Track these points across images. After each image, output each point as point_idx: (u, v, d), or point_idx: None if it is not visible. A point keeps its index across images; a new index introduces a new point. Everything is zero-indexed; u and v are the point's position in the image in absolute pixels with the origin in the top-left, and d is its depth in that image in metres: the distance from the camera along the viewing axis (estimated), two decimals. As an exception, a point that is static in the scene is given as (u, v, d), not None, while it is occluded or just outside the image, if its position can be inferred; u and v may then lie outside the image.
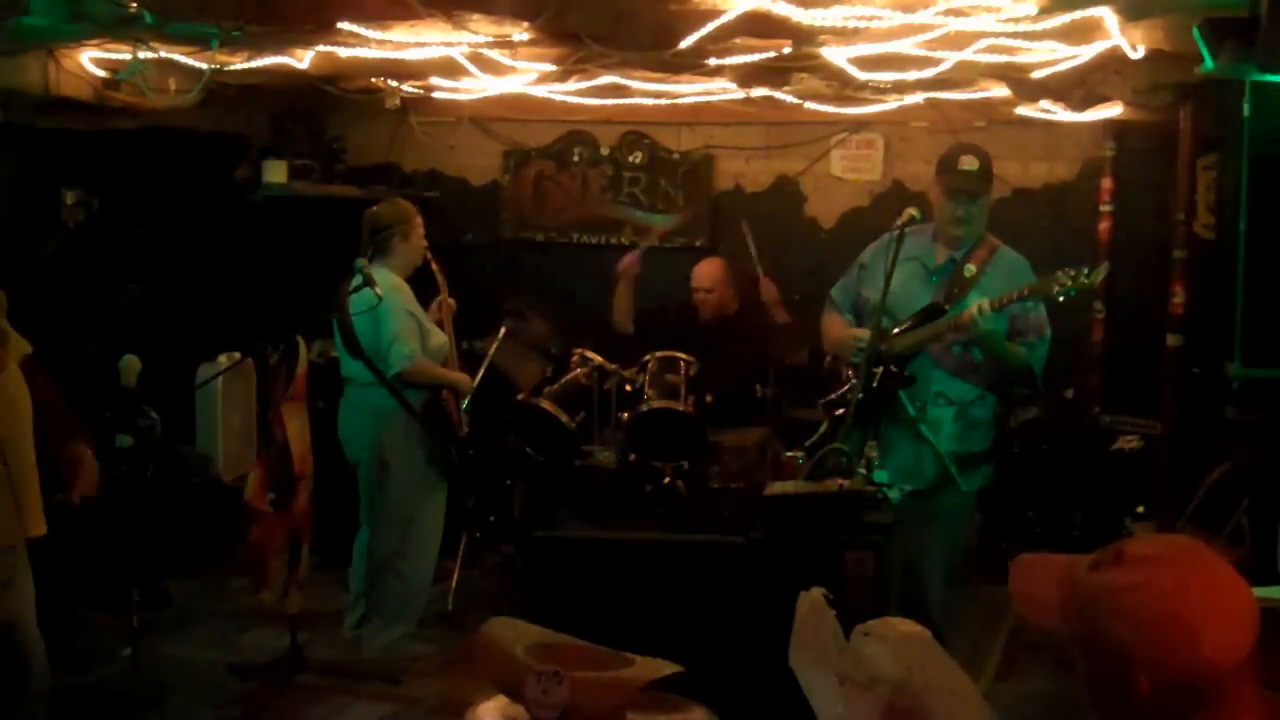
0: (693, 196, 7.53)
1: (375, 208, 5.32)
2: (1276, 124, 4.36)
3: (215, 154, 6.96)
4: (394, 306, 4.97)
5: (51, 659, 4.05)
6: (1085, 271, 3.99)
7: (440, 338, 5.27)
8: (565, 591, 3.88)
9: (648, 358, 5.96)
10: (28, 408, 3.85)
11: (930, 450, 4.18)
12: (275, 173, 6.89)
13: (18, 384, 3.83)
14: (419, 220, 5.28)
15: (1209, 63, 4.02)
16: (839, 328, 4.47)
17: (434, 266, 5.43)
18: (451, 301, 5.46)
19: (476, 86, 6.19)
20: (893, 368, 4.18)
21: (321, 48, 5.20)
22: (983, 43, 4.56)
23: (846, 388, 4.33)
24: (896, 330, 4.20)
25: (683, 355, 5.98)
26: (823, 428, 4.41)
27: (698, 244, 7.40)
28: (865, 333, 4.24)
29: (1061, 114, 6.01)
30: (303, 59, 5.49)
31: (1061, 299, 4.02)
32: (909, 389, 4.20)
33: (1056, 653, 5.09)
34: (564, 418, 5.79)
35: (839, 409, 4.30)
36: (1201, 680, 1.51)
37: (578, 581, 3.88)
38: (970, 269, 4.23)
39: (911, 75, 5.18)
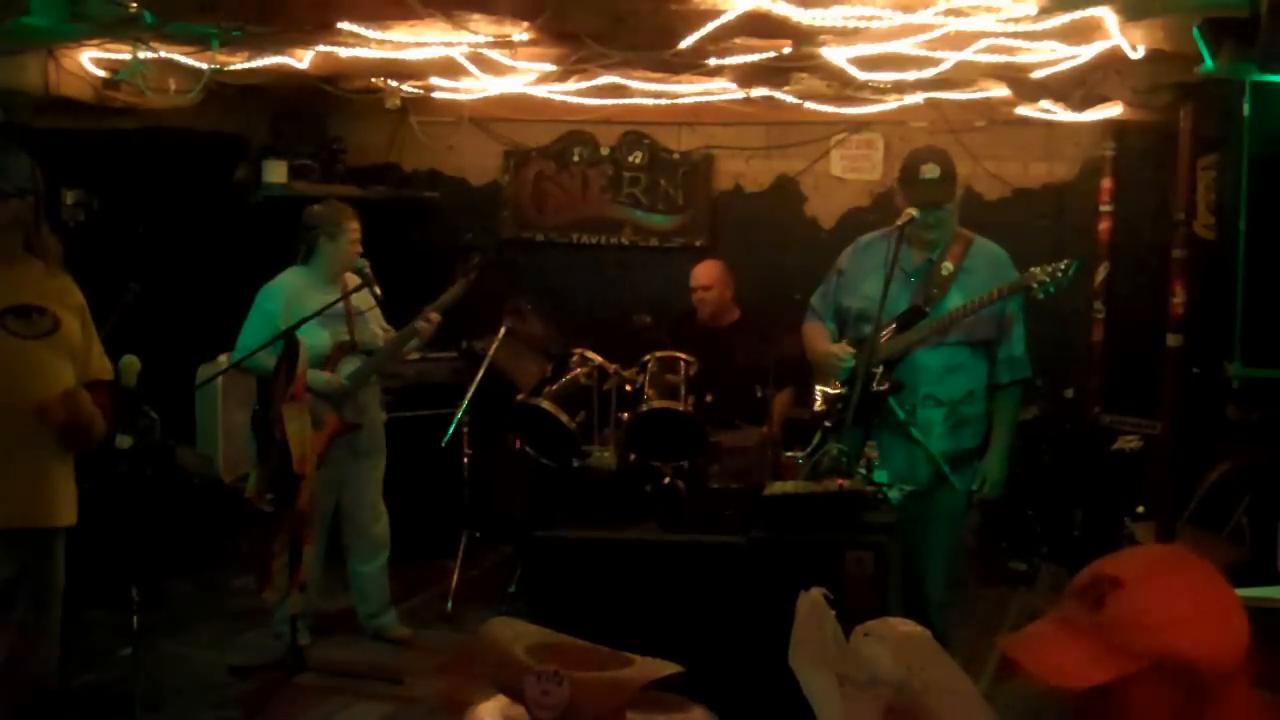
0: (693, 196, 7.53)
1: (310, 206, 5.39)
2: (1276, 124, 4.35)
3: (215, 154, 6.96)
4: (257, 304, 5.17)
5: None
6: (1063, 267, 3.98)
7: (313, 340, 5.11)
8: (565, 591, 3.89)
9: (648, 358, 5.96)
10: (57, 386, 3.67)
11: (923, 452, 4.18)
12: (275, 173, 6.89)
13: (56, 360, 3.69)
14: (351, 225, 5.27)
15: (1209, 63, 4.02)
16: (821, 340, 4.44)
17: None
18: (435, 316, 5.38)
19: (476, 86, 6.19)
20: (886, 376, 4.17)
21: (321, 48, 5.20)
22: (983, 43, 4.56)
23: (836, 398, 4.32)
24: (882, 337, 4.18)
25: (683, 355, 5.98)
26: (816, 438, 4.40)
27: (698, 244, 7.41)
28: (849, 350, 4.23)
29: (1061, 114, 6.01)
30: (303, 59, 5.49)
31: (1042, 296, 4.01)
32: (898, 394, 4.19)
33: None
34: (564, 418, 5.79)
35: (829, 418, 4.29)
36: (1234, 665, 1.55)
37: (578, 581, 3.89)
38: (948, 267, 4.22)
39: (911, 75, 5.18)
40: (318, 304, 5.00)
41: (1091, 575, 1.61)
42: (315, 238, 5.27)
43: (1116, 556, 1.66)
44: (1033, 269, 4.04)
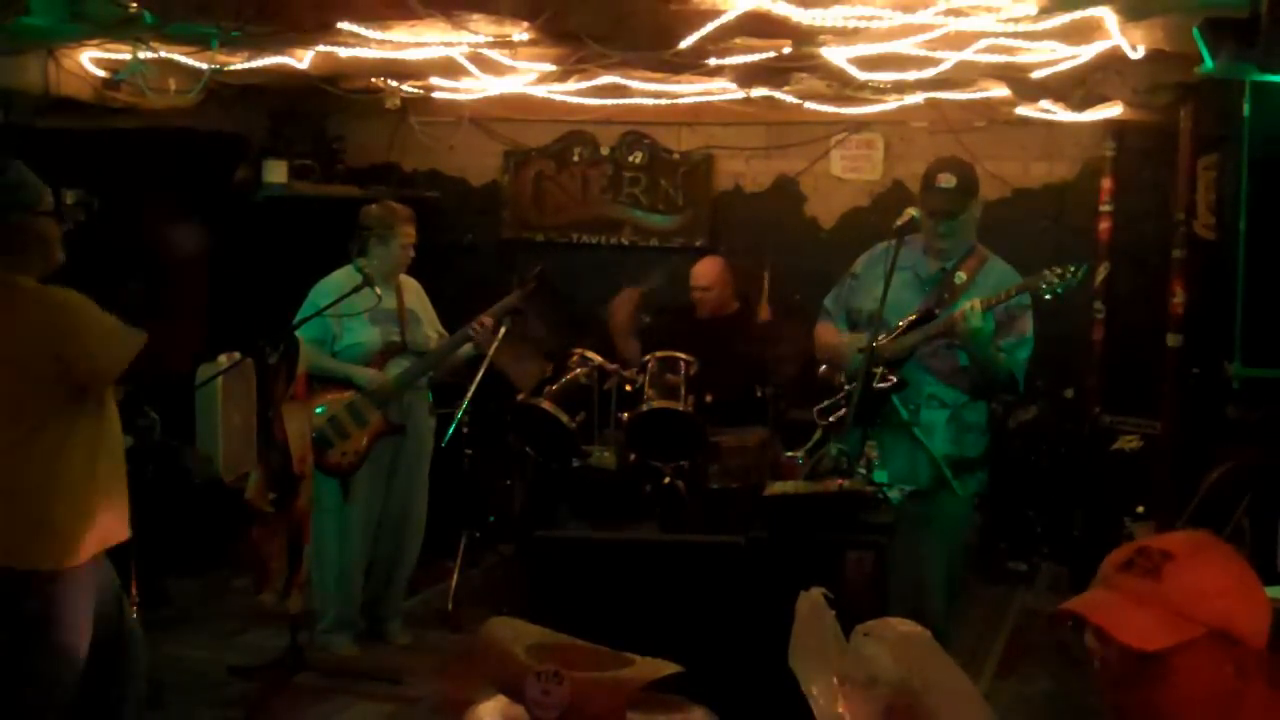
0: (693, 196, 7.53)
1: (366, 206, 5.39)
2: (1276, 124, 4.35)
3: (215, 154, 6.96)
4: (309, 299, 5.15)
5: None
6: (1072, 270, 3.98)
7: (361, 337, 5.19)
8: (565, 591, 3.88)
9: (648, 358, 5.96)
10: None
11: (925, 454, 4.17)
12: (275, 173, 6.89)
13: None
14: (404, 228, 5.26)
15: (1209, 63, 4.02)
16: (832, 336, 4.44)
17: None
18: (488, 321, 5.34)
19: (476, 86, 6.19)
20: (889, 373, 4.17)
21: (321, 48, 5.20)
22: (983, 43, 4.56)
23: (840, 394, 4.32)
24: (890, 334, 4.18)
25: (683, 355, 5.98)
26: (816, 435, 4.40)
27: (698, 244, 7.41)
28: (860, 338, 4.23)
29: (1061, 114, 6.01)
30: (303, 59, 5.49)
31: (1048, 297, 4.01)
32: (902, 393, 4.19)
33: (1056, 653, 5.11)
34: (564, 418, 5.79)
35: (832, 416, 4.29)
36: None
37: (578, 581, 3.88)
38: (961, 276, 4.22)
39: (911, 75, 5.18)
40: (365, 303, 4.98)
41: (1133, 551, 1.68)
42: (366, 239, 5.25)
43: (1155, 537, 1.72)
44: (1044, 270, 4.02)
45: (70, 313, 3.43)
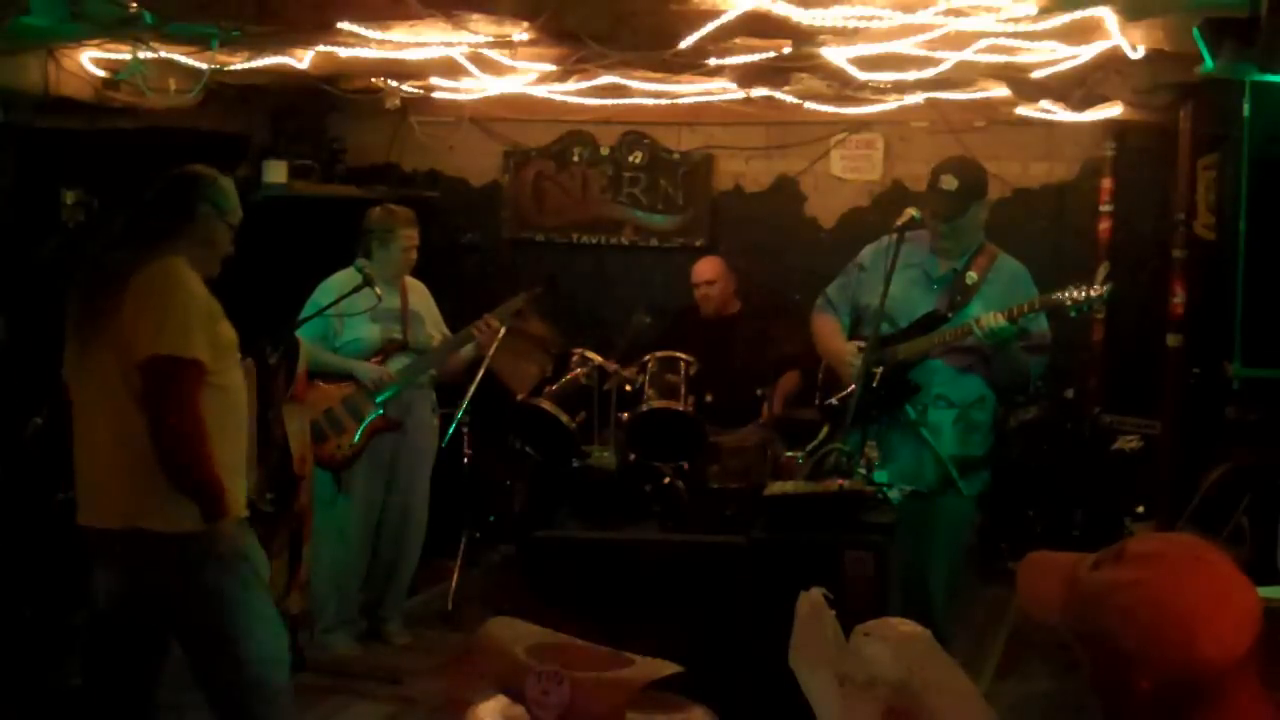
0: (693, 196, 7.53)
1: (370, 209, 5.40)
2: (1276, 124, 4.36)
3: (215, 154, 6.94)
4: (312, 298, 5.18)
5: (50, 659, 4.03)
6: (1094, 290, 3.96)
7: (362, 333, 5.22)
8: (565, 591, 3.89)
9: (648, 358, 5.97)
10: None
11: (931, 454, 4.17)
12: (275, 173, 6.89)
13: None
14: (405, 232, 5.27)
15: (1209, 63, 4.02)
16: (833, 335, 4.42)
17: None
18: (494, 322, 5.37)
19: (476, 86, 6.19)
20: (897, 375, 4.15)
21: (321, 48, 5.20)
22: (983, 43, 4.56)
23: (846, 391, 4.31)
24: (896, 336, 4.17)
25: (683, 355, 5.98)
26: (823, 432, 4.40)
27: (698, 244, 7.41)
28: (854, 348, 4.22)
29: (1061, 114, 6.01)
30: (303, 59, 5.49)
31: (1074, 314, 4.00)
32: (912, 397, 4.18)
33: (1057, 653, 5.10)
34: (564, 418, 5.79)
35: (839, 413, 4.29)
36: (1199, 678, 1.51)
37: (578, 581, 3.89)
38: (972, 277, 4.22)
39: (911, 75, 5.18)
40: (365, 303, 4.99)
41: (1120, 541, 1.63)
42: (369, 242, 5.28)
43: (1151, 537, 1.68)
44: (1069, 287, 3.99)
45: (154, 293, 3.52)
